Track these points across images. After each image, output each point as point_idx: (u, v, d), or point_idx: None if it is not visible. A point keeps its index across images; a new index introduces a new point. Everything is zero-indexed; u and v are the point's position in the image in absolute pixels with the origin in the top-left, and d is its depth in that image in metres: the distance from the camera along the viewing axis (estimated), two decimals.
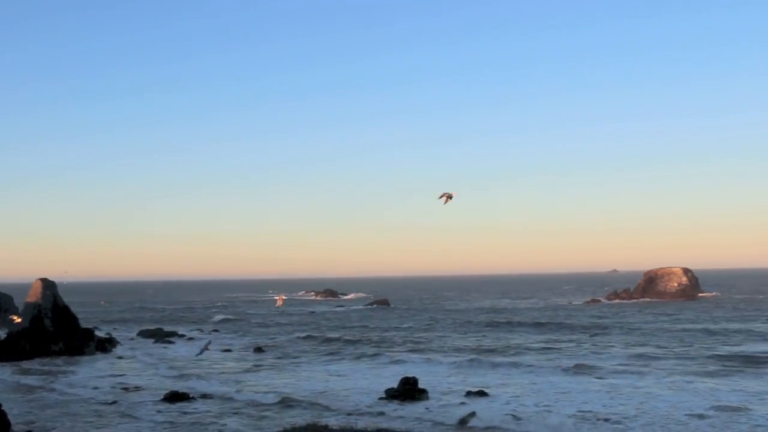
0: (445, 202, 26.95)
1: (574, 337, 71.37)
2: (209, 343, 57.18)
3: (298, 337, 76.22)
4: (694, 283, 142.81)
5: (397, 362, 54.84)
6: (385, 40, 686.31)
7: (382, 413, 35.52)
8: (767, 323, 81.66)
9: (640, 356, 54.80)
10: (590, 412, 34.77)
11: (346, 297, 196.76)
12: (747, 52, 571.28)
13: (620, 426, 31.73)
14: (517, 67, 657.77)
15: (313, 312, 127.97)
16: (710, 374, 45.60)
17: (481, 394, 39.64)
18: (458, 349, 61.66)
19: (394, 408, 36.77)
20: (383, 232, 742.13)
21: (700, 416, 33.24)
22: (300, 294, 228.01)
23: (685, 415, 33.57)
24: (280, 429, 29.93)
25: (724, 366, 48.69)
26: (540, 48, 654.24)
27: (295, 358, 58.99)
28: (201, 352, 52.67)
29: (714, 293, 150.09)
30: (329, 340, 72.42)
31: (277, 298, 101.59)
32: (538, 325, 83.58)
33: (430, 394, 39.63)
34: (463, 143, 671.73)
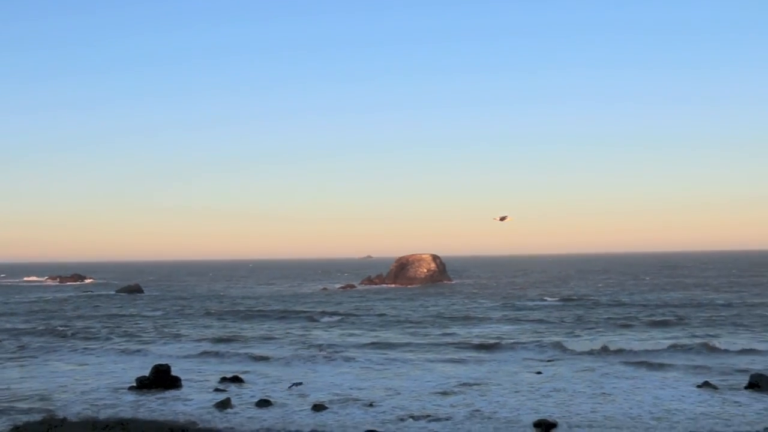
0: (502, 220, 29.46)
1: (326, 321, 72.80)
2: None
3: (35, 329, 69.33)
4: (441, 269, 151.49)
5: (148, 351, 52.66)
6: None
7: (131, 402, 33.90)
8: (503, 307, 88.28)
9: (385, 339, 57.20)
10: (342, 394, 35.63)
11: (88, 281, 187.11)
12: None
13: (373, 408, 32.68)
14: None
15: (46, 299, 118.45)
16: (452, 355, 48.74)
17: (236, 380, 39.22)
18: (210, 337, 60.25)
19: (144, 397, 35.26)
20: (152, 213, 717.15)
21: (445, 393, 35.30)
22: (30, 278, 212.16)
23: (431, 393, 35.44)
24: (11, 425, 27.36)
25: (461, 348, 51.93)
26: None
27: (35, 350, 54.29)
28: None
29: (459, 280, 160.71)
30: (70, 331, 67.59)
31: None
32: (286, 313, 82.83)
33: (183, 382, 38.49)
34: (207, 131, 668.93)
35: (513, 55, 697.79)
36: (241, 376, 40.18)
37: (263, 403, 33.33)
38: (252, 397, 34.97)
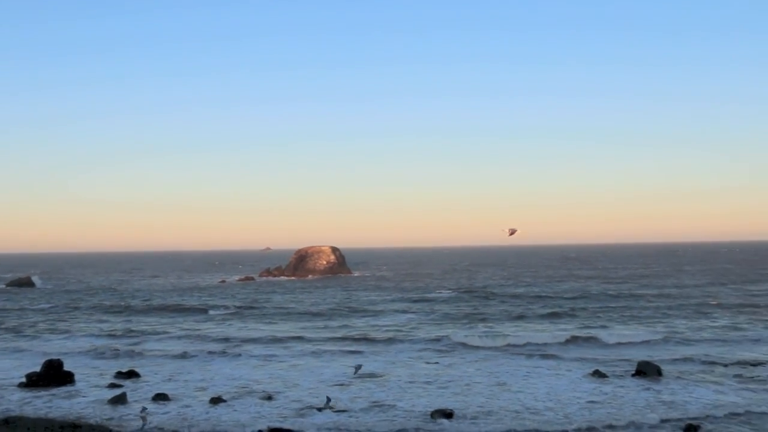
0: (510, 234, 29.98)
1: (223, 313, 72.05)
2: None
3: None
4: (341, 261, 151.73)
5: (38, 346, 50.75)
6: None
7: (18, 400, 32.64)
8: (401, 299, 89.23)
9: (283, 332, 57.04)
10: (240, 387, 35.40)
11: None
12: None
13: (272, 401, 32.60)
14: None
15: None
16: (350, 347, 49.08)
17: (132, 374, 38.33)
18: (105, 332, 58.62)
19: (33, 394, 34.00)
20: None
21: (343, 385, 35.54)
22: None
23: (330, 385, 35.62)
24: None
25: (359, 340, 52.27)
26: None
27: None
28: None
29: (358, 272, 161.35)
30: None
31: None
32: (183, 306, 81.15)
33: (77, 377, 37.32)
34: (102, 121, 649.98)
35: (394, 48, 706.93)
36: (138, 370, 39.28)
37: (160, 398, 32.73)
38: (149, 391, 34.28)
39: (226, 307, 78.26)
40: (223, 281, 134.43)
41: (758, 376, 37.02)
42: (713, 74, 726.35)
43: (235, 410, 30.65)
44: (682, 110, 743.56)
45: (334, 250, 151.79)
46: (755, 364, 40.32)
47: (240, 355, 45.89)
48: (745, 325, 57.38)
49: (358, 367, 38.74)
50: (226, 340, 52.57)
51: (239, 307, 78.26)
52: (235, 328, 60.15)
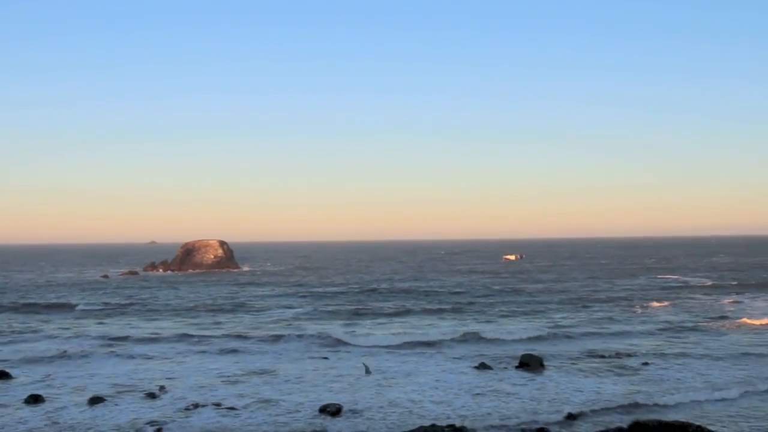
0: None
1: (104, 310, 69.48)
2: None
3: None
4: (229, 255, 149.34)
5: None
6: None
7: None
8: (288, 294, 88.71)
9: (168, 328, 55.80)
10: (122, 385, 34.15)
11: None
12: None
13: (156, 399, 31.58)
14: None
15: None
16: (237, 344, 48.27)
17: (3, 375, 36.22)
18: None
19: None
20: None
21: (230, 382, 34.85)
22: None
23: (216, 382, 34.88)
24: None
25: (246, 336, 51.38)
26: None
27: None
28: None
29: (247, 267, 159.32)
30: None
31: None
32: (61, 303, 77.72)
33: None
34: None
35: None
36: (9, 371, 37.20)
37: (34, 400, 31.09)
38: (22, 393, 32.49)
39: (108, 304, 75.51)
40: (106, 276, 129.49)
41: (632, 366, 38.72)
42: (600, 76, 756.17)
43: (118, 410, 29.47)
44: (567, 111, 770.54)
45: (222, 243, 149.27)
46: (630, 354, 42.18)
47: (122, 353, 44.23)
48: (620, 318, 60.12)
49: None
50: (108, 337, 50.60)
51: (122, 304, 75.65)
52: (117, 326, 58.09)
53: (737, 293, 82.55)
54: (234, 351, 45.01)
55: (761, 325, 54.70)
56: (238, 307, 71.15)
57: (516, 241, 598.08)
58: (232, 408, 29.73)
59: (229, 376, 36.49)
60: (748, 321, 56.33)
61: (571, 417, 27.79)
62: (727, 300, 74.40)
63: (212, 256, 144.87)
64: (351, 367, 38.84)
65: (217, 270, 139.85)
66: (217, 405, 30.11)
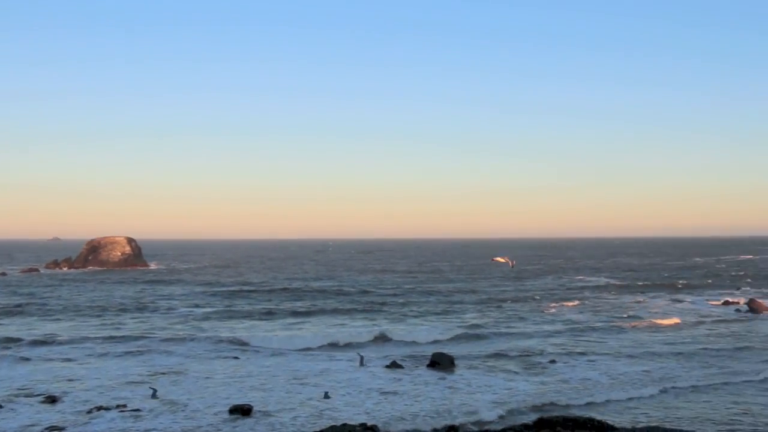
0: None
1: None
2: None
3: None
4: (137, 253, 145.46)
5: None
6: None
7: None
8: (195, 294, 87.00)
9: (69, 329, 54.07)
10: (20, 390, 32.68)
11: None
12: None
13: (57, 403, 30.31)
14: None
15: None
16: (141, 345, 46.96)
17: None
18: None
19: None
20: None
21: (135, 383, 33.81)
22: None
23: (121, 384, 33.75)
24: None
25: (151, 337, 50.09)
26: None
27: None
28: None
29: (155, 264, 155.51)
30: None
31: None
32: None
33: None
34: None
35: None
36: None
37: None
38: None
39: (5, 304, 72.20)
40: (4, 274, 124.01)
41: (540, 363, 39.53)
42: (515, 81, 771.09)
43: (15, 416, 28.09)
44: (476, 114, 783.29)
45: (130, 240, 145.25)
46: (539, 353, 43.04)
47: (18, 355, 42.32)
48: (529, 317, 61.39)
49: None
50: (5, 339, 48.28)
51: (20, 304, 72.43)
52: (14, 326, 55.61)
53: (641, 293, 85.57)
54: (140, 351, 43.67)
55: (663, 324, 56.78)
56: (144, 306, 69.27)
57: (431, 241, 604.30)
58: (137, 410, 28.79)
59: (134, 378, 35.39)
60: (654, 321, 58.41)
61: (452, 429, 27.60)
62: (630, 300, 76.93)
63: (119, 254, 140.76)
64: (262, 367, 38.25)
65: (124, 268, 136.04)
66: (122, 407, 29.10)
